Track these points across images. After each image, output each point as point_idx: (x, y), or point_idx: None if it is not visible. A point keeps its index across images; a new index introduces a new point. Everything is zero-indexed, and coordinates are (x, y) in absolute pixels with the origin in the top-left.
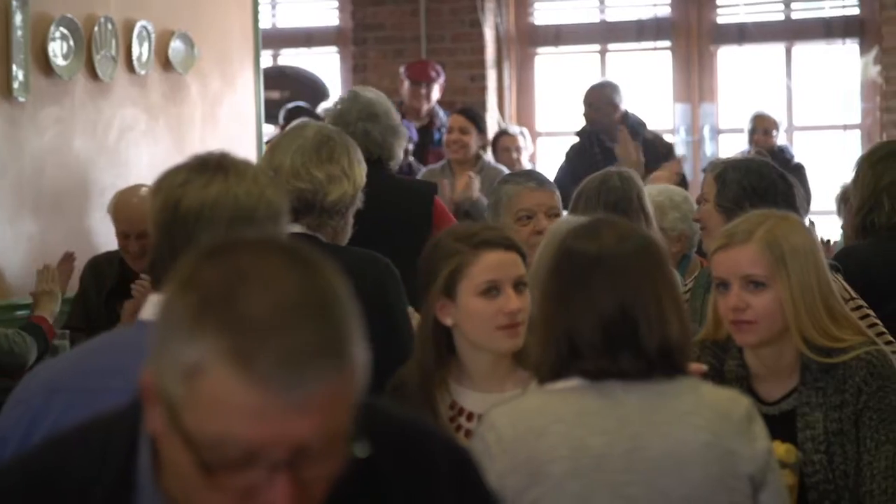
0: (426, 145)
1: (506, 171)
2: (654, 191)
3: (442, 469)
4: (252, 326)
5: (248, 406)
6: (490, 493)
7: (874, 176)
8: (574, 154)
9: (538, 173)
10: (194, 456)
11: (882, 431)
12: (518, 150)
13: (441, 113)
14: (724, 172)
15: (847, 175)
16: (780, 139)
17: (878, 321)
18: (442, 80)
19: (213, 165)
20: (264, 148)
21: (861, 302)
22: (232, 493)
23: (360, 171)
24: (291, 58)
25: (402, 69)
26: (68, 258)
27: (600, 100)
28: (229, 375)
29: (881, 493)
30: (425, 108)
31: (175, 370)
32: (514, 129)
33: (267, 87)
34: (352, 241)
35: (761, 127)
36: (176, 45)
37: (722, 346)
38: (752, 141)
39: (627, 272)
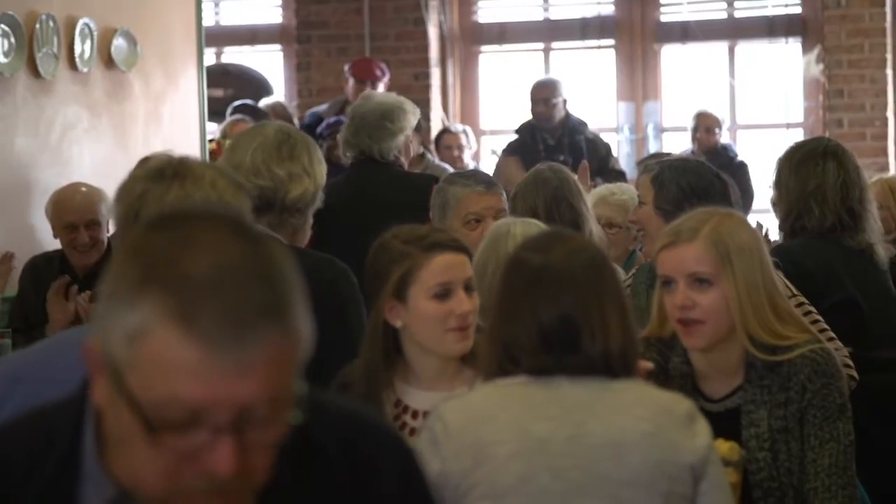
0: None
1: (450, 169)
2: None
3: (386, 462)
4: (195, 286)
5: (191, 365)
6: (430, 488)
7: (798, 181)
8: (513, 151)
9: (484, 174)
10: (138, 417)
11: (826, 429)
12: (461, 148)
13: None
14: (660, 174)
15: None
16: (724, 137)
17: (819, 317)
18: (387, 78)
19: (171, 173)
20: (208, 146)
21: (802, 298)
22: (175, 455)
23: (321, 169)
24: (235, 56)
25: (346, 67)
26: (6, 258)
27: (553, 95)
28: (172, 335)
29: (825, 490)
30: None
31: (120, 334)
32: (456, 127)
33: (210, 85)
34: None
35: (704, 125)
36: (118, 43)
37: (667, 344)
38: (694, 139)
39: (572, 284)
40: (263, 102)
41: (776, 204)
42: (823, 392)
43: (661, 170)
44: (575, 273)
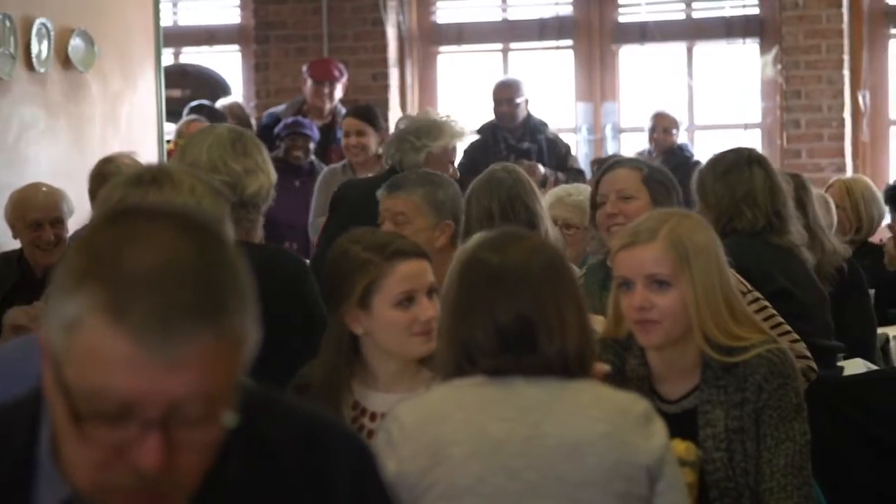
0: (329, 144)
1: None
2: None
3: (341, 461)
4: (129, 282)
5: (120, 358)
6: (387, 488)
7: (727, 188)
8: (474, 151)
9: (402, 178)
10: (69, 408)
11: (782, 429)
12: None
13: (344, 112)
14: (650, 172)
15: None
16: (682, 138)
17: (774, 312)
18: (345, 79)
19: (149, 178)
20: (166, 146)
21: (758, 294)
22: (104, 448)
23: (271, 168)
24: (193, 56)
25: (304, 68)
26: None
27: (517, 95)
28: (103, 327)
29: (780, 489)
30: (328, 107)
31: (59, 324)
32: None
33: (168, 86)
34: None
35: (661, 125)
36: (76, 43)
37: (623, 345)
38: (652, 139)
39: (529, 284)
40: (220, 103)
41: (702, 213)
42: (779, 392)
43: (650, 170)
44: (532, 272)
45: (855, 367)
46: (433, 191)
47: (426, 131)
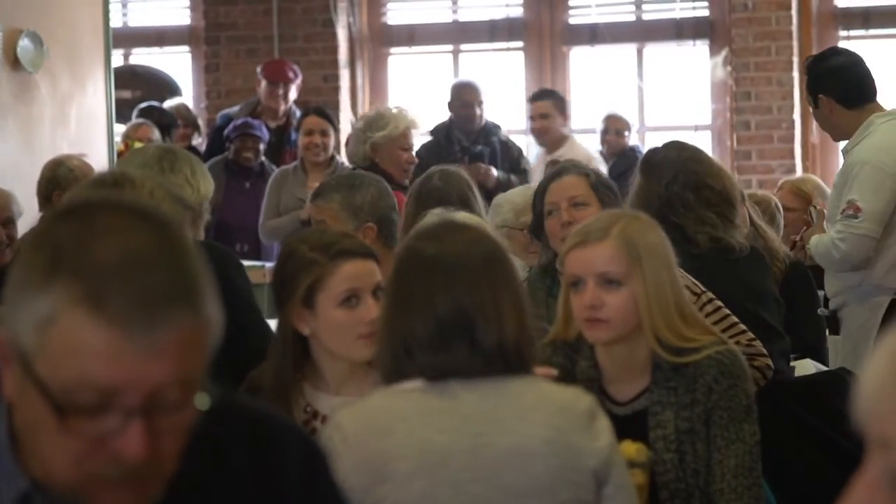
0: (283, 145)
1: None
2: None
3: (292, 460)
4: (104, 270)
5: (101, 347)
6: (338, 487)
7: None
8: (427, 152)
9: (334, 180)
10: (48, 402)
11: (732, 430)
12: None
13: (298, 113)
14: (597, 177)
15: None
16: (633, 139)
17: (729, 312)
18: (299, 80)
19: (111, 181)
20: (116, 148)
21: (711, 295)
22: (86, 441)
23: (205, 182)
24: (143, 57)
25: (259, 69)
26: None
27: (478, 97)
28: (82, 319)
29: (731, 491)
30: (283, 108)
31: (29, 323)
32: None
33: (118, 87)
34: None
35: (613, 127)
36: (24, 44)
37: (573, 346)
38: (604, 141)
39: (465, 274)
40: (168, 104)
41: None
42: (730, 393)
43: (596, 175)
44: (468, 263)
45: (804, 368)
46: (350, 195)
47: (370, 123)
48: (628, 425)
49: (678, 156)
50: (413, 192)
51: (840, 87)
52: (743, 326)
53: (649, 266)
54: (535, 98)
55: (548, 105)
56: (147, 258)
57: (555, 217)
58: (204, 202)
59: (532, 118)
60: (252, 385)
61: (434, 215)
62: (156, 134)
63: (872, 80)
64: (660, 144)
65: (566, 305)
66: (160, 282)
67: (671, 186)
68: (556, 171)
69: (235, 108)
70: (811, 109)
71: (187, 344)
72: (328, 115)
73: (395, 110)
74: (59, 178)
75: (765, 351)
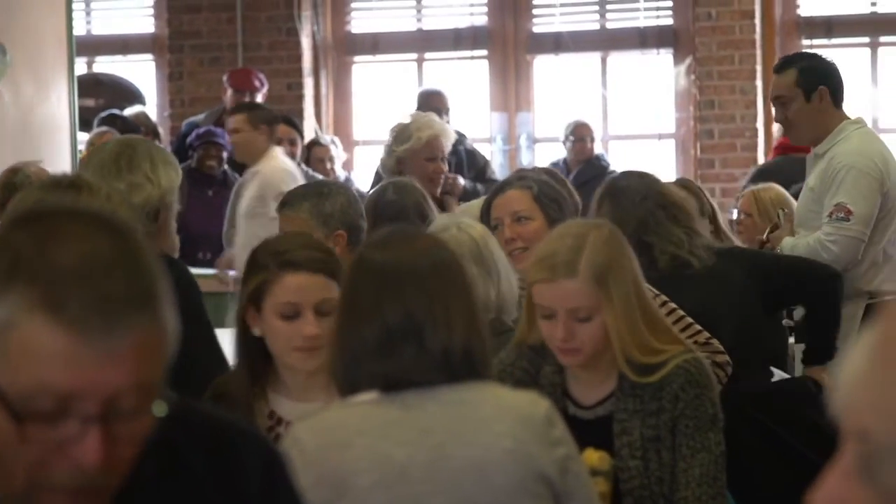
0: None
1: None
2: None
3: (251, 466)
4: (62, 276)
5: (60, 352)
6: (298, 494)
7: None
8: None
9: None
10: (6, 409)
11: (698, 439)
12: (331, 159)
13: None
14: (541, 189)
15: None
16: (597, 148)
17: (684, 314)
18: (265, 89)
19: (67, 184)
20: (79, 156)
21: (665, 298)
22: (44, 447)
23: (167, 173)
24: (107, 65)
25: (225, 77)
26: None
27: (447, 105)
28: (40, 324)
29: (695, 499)
30: None
31: None
32: (325, 138)
33: (82, 95)
34: None
35: (578, 135)
36: None
37: (538, 351)
38: (568, 149)
39: (414, 281)
40: (128, 112)
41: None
42: (696, 402)
43: (539, 186)
44: (418, 270)
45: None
46: (319, 203)
47: (395, 136)
48: (592, 430)
49: (641, 181)
50: (368, 206)
51: (837, 84)
52: (699, 327)
53: (617, 290)
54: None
55: (241, 119)
56: (105, 264)
57: (500, 232)
58: (168, 194)
59: (229, 132)
60: (217, 391)
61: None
62: None
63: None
64: (624, 153)
65: (529, 310)
66: (118, 287)
67: (644, 203)
68: (500, 185)
69: (201, 116)
70: (790, 109)
71: (145, 349)
72: (296, 123)
73: (422, 120)
74: (16, 185)
75: (722, 348)
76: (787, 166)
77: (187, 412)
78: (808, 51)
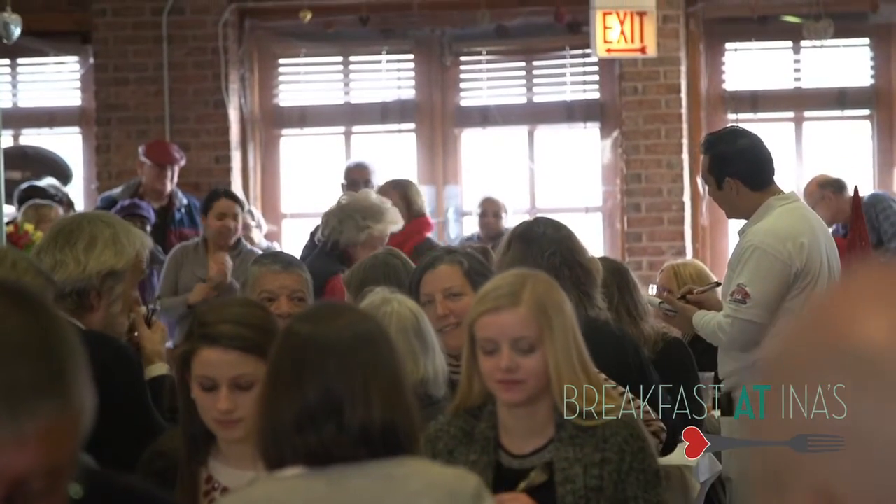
0: (167, 226)
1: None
2: None
3: None
4: None
5: None
6: None
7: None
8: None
9: (287, 255)
10: None
11: (651, 493)
12: (247, 227)
13: (180, 194)
14: (471, 266)
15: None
16: (511, 221)
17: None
18: (183, 161)
19: None
20: (4, 229)
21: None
22: None
23: (100, 253)
24: (33, 138)
25: (141, 150)
26: None
27: (371, 176)
28: None
29: None
30: (168, 189)
31: None
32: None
33: (8, 168)
34: None
35: (491, 210)
36: None
37: (474, 413)
38: (481, 224)
39: (335, 354)
40: (43, 183)
41: None
42: (641, 456)
43: (469, 261)
44: (341, 343)
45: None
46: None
47: (371, 213)
48: (522, 478)
49: (556, 234)
50: (373, 272)
51: (747, 170)
52: (622, 389)
53: (558, 328)
54: None
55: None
56: (14, 345)
57: (430, 308)
58: (94, 277)
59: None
60: (159, 448)
61: (376, 293)
62: (60, 212)
63: (773, 161)
64: (532, 218)
65: (469, 372)
66: (26, 372)
67: (552, 259)
68: (430, 260)
69: (117, 190)
70: (709, 190)
71: (53, 434)
72: (237, 197)
73: (389, 205)
74: None
75: (652, 413)
76: None
77: (106, 488)
78: (731, 127)
